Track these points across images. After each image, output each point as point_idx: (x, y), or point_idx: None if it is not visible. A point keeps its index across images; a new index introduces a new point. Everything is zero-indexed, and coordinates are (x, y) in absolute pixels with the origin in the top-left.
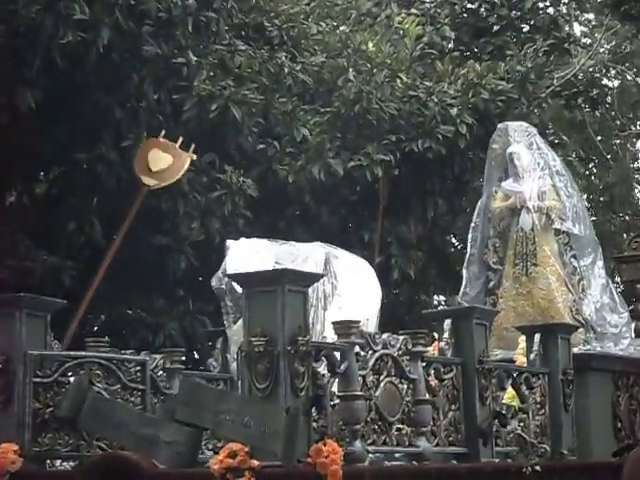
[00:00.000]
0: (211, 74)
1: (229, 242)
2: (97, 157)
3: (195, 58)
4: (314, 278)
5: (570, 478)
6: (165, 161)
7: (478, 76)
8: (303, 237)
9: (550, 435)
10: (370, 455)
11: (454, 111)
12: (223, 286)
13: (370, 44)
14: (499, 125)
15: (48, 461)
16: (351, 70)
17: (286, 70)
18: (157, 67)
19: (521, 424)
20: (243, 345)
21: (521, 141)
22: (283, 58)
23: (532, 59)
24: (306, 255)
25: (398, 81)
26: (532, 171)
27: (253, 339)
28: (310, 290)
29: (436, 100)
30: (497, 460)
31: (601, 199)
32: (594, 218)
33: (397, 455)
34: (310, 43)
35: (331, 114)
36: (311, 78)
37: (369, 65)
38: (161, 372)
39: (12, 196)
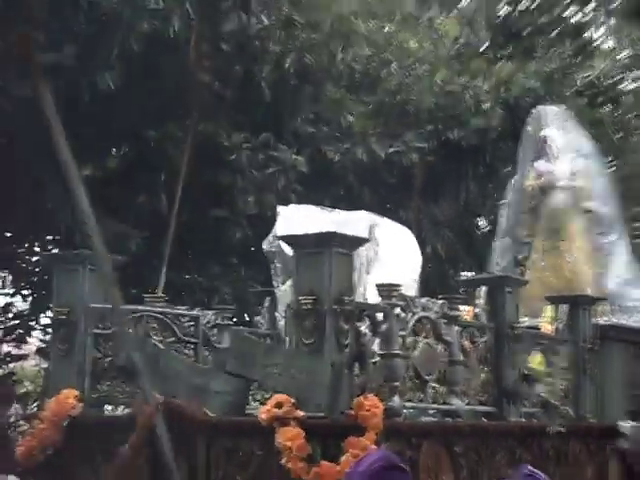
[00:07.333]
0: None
1: (280, 208)
2: (165, 135)
3: None
4: (360, 242)
5: (590, 439)
6: None
7: (509, 74)
8: None
9: (572, 399)
10: (404, 411)
11: (487, 105)
12: (273, 249)
13: (412, 42)
14: (534, 109)
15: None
16: (394, 64)
17: (340, 57)
18: None
19: (547, 388)
20: (292, 303)
21: (554, 124)
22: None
23: (558, 61)
24: (351, 222)
25: (436, 76)
26: (564, 153)
27: (301, 298)
28: (354, 255)
29: (470, 94)
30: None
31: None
32: None
33: (430, 412)
34: (358, 39)
35: (375, 103)
36: (359, 68)
37: (410, 59)
38: (213, 327)
39: (87, 169)
